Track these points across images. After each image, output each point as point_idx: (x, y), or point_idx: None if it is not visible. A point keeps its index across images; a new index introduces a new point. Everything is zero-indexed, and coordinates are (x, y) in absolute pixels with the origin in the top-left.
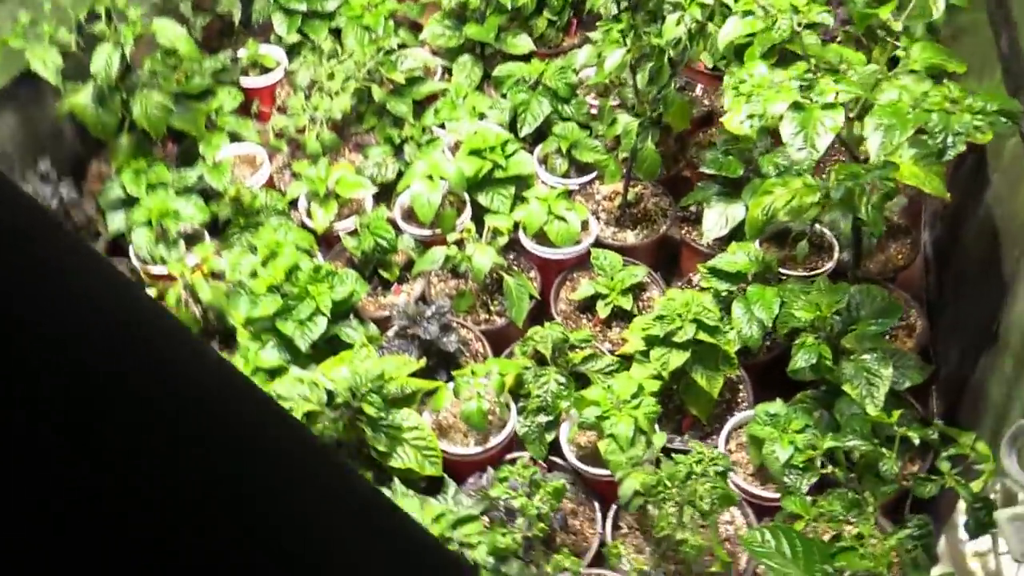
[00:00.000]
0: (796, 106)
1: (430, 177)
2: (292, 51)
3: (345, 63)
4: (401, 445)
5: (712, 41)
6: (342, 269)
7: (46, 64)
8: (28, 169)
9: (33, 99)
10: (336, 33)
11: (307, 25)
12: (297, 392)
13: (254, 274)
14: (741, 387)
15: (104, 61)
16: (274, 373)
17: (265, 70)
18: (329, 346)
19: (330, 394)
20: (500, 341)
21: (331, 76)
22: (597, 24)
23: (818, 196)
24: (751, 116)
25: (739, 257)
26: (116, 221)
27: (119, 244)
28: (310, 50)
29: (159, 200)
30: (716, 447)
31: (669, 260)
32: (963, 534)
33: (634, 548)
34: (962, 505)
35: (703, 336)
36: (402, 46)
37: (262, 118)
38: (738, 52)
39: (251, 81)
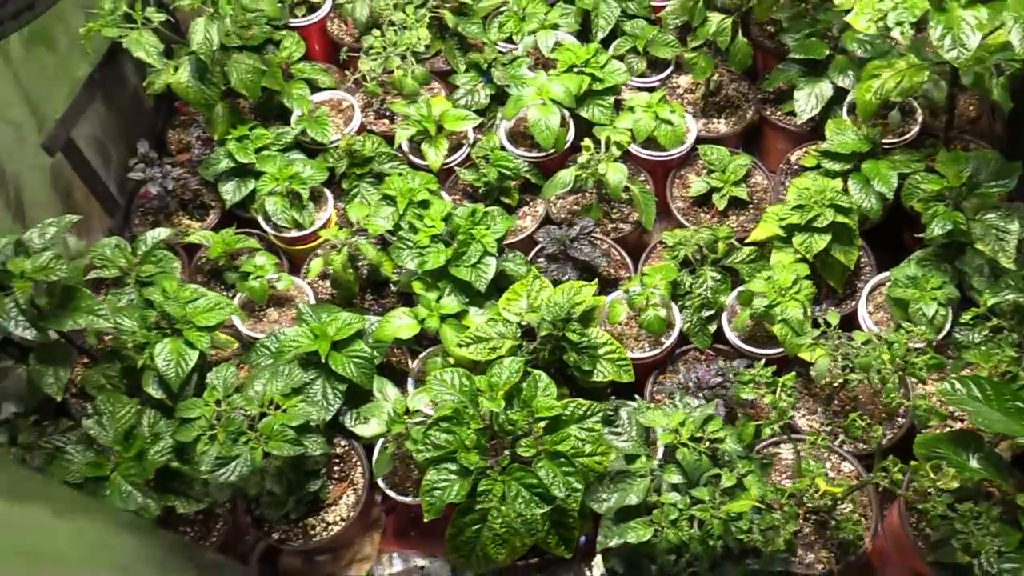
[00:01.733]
0: (939, 8)
1: (542, 103)
2: None
3: None
4: (598, 361)
5: None
6: (491, 207)
7: (146, 48)
8: (126, 153)
9: (113, 81)
10: None
11: None
12: (495, 331)
13: (398, 226)
14: (861, 253)
15: (203, 36)
16: (458, 316)
17: (312, 8)
18: (492, 281)
19: (525, 329)
20: (632, 246)
21: (400, 7)
22: None
23: (927, 75)
24: (899, 23)
25: (848, 137)
26: (230, 192)
27: (234, 214)
28: None
29: (281, 166)
30: (856, 311)
31: (754, 140)
32: None
33: (807, 410)
34: None
35: (840, 218)
36: None
37: (310, 57)
38: None
39: (297, 21)
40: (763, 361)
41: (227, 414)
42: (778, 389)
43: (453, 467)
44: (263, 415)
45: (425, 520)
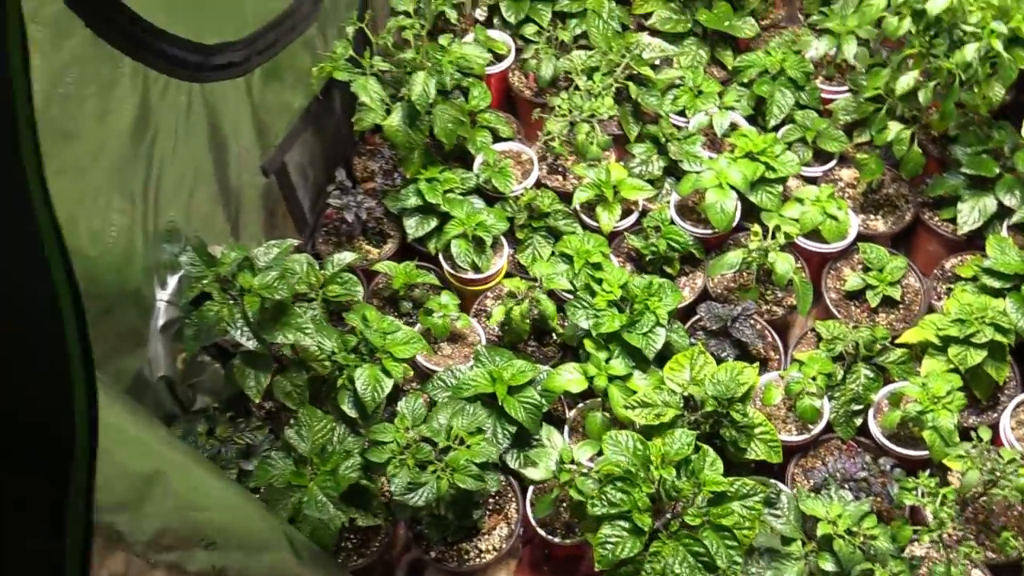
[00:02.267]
0: None
1: (720, 185)
2: (515, 35)
3: (593, 57)
4: (753, 440)
5: (1005, 71)
6: (663, 280)
7: (371, 94)
8: (322, 177)
9: (324, 113)
10: (559, 16)
11: (532, 10)
12: (660, 399)
13: (574, 287)
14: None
15: (422, 89)
16: (623, 379)
17: (498, 57)
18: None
19: (686, 399)
20: (784, 329)
21: (588, 73)
22: (820, 10)
23: None
24: None
25: (1011, 258)
26: (413, 227)
27: (409, 244)
28: (536, 34)
29: (468, 212)
30: (998, 423)
31: (906, 238)
32: None
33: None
34: None
35: (998, 337)
36: (624, 27)
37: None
38: None
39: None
40: (928, 472)
41: (415, 442)
42: (939, 499)
43: (626, 525)
44: (448, 448)
45: (597, 569)
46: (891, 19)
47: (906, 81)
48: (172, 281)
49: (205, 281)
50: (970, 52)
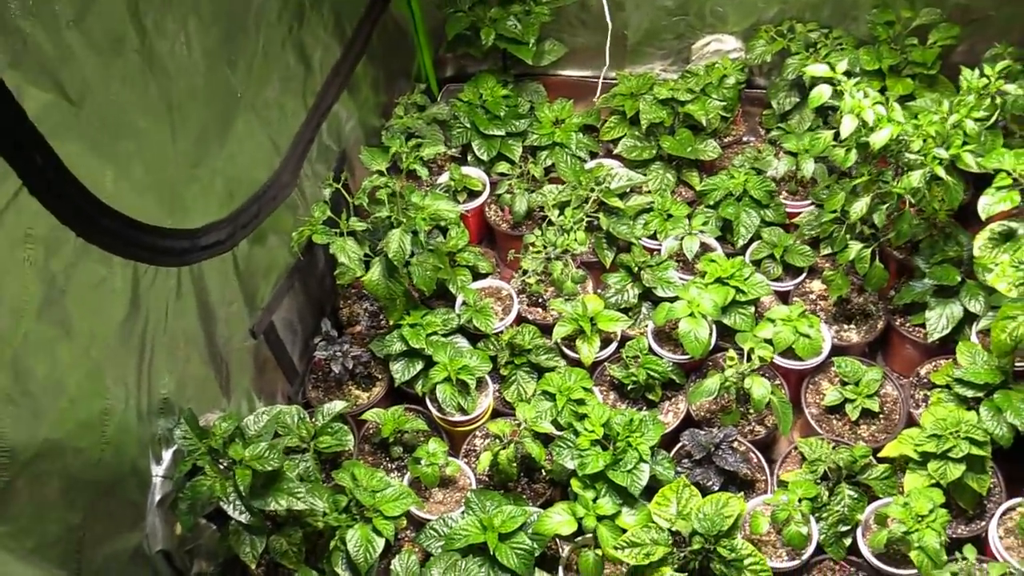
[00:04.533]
0: None
1: (692, 315)
2: (489, 171)
3: (564, 191)
4: (743, 573)
5: (951, 194)
6: (641, 415)
7: (349, 254)
8: (310, 328)
9: (308, 269)
10: (530, 151)
11: (503, 146)
12: (648, 537)
13: (556, 422)
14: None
15: (398, 245)
16: (612, 517)
17: (472, 195)
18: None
19: (674, 534)
20: (768, 449)
21: (560, 207)
22: (778, 126)
23: None
24: None
25: (980, 367)
26: (399, 371)
27: (399, 388)
28: (509, 168)
29: (452, 356)
30: (986, 532)
31: (882, 344)
32: None
33: None
34: None
35: (975, 450)
36: (593, 154)
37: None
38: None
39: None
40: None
41: None
42: None
43: None
44: None
45: None
46: (838, 151)
47: (859, 207)
48: (167, 455)
49: (197, 454)
50: (915, 178)
